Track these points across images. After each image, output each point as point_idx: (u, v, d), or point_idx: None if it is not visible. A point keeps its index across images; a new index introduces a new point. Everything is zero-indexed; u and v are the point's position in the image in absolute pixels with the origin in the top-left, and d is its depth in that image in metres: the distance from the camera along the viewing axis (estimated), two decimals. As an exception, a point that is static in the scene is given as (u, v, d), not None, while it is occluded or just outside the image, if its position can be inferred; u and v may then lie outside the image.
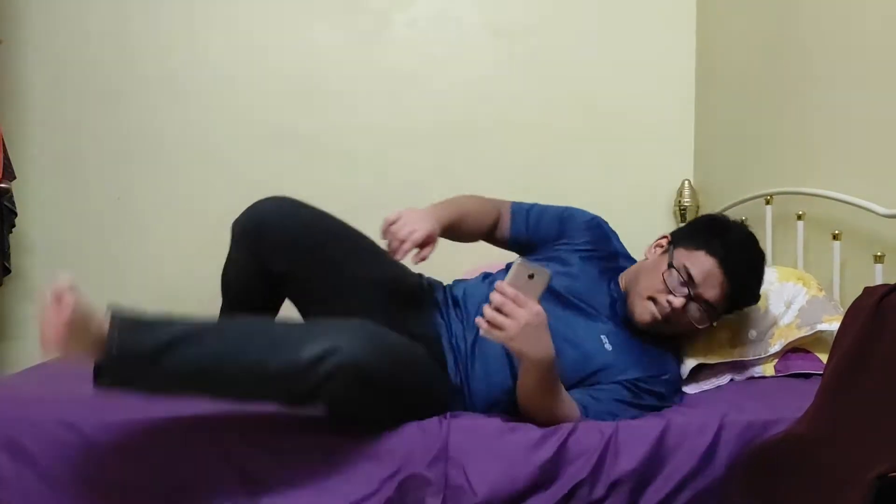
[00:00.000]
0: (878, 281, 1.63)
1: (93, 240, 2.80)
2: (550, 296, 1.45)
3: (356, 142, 2.87)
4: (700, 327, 1.49)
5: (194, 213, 2.83)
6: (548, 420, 1.32)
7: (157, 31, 2.80)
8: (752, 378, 1.64)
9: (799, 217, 2.02)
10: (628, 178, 2.93)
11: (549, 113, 2.90)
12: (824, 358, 1.61)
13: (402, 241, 1.40)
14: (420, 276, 1.65)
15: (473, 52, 2.89)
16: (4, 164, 2.46)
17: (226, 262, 1.58)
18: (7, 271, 2.58)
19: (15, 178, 2.54)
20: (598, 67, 2.91)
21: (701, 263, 1.47)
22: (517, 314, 1.20)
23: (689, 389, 1.62)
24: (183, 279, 2.81)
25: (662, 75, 2.92)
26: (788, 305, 1.66)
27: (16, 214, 2.57)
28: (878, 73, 1.77)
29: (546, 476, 1.27)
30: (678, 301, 1.46)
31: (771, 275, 1.70)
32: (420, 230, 1.41)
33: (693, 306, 1.47)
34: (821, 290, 1.68)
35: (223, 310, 1.62)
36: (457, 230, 1.59)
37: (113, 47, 2.79)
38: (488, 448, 1.29)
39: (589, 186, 2.92)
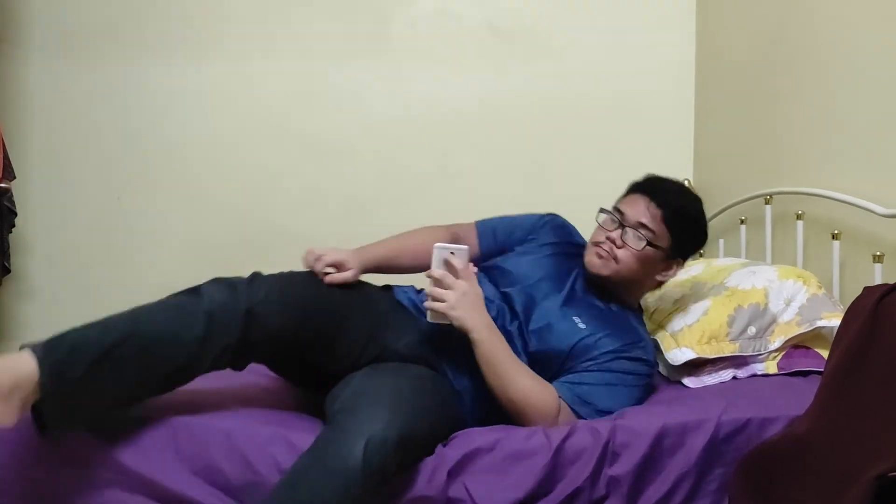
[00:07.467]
0: (878, 280, 1.63)
1: (93, 240, 2.81)
2: (517, 288, 1.58)
3: (356, 141, 2.87)
4: (638, 249, 1.56)
5: (194, 212, 2.83)
6: (518, 395, 1.38)
7: (157, 30, 2.81)
8: (755, 375, 1.65)
9: (798, 217, 2.02)
10: (628, 178, 2.92)
11: (549, 113, 2.90)
12: (827, 355, 1.61)
13: (318, 259, 1.48)
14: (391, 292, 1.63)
15: (473, 51, 2.90)
16: (4, 164, 2.46)
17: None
18: (7, 271, 2.58)
19: (15, 177, 2.54)
20: (598, 67, 2.91)
21: (629, 199, 1.64)
22: (454, 285, 1.39)
23: (691, 383, 1.63)
24: (182, 279, 2.80)
25: (662, 75, 2.92)
26: (788, 303, 1.67)
27: (16, 214, 2.57)
28: (878, 73, 1.77)
29: (547, 481, 1.27)
30: (614, 234, 1.58)
31: (771, 273, 1.71)
32: (335, 256, 1.49)
33: (630, 233, 1.57)
34: (820, 287, 1.69)
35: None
36: (394, 265, 1.64)
37: (113, 47, 2.79)
38: (485, 458, 1.28)
39: (589, 186, 2.92)
